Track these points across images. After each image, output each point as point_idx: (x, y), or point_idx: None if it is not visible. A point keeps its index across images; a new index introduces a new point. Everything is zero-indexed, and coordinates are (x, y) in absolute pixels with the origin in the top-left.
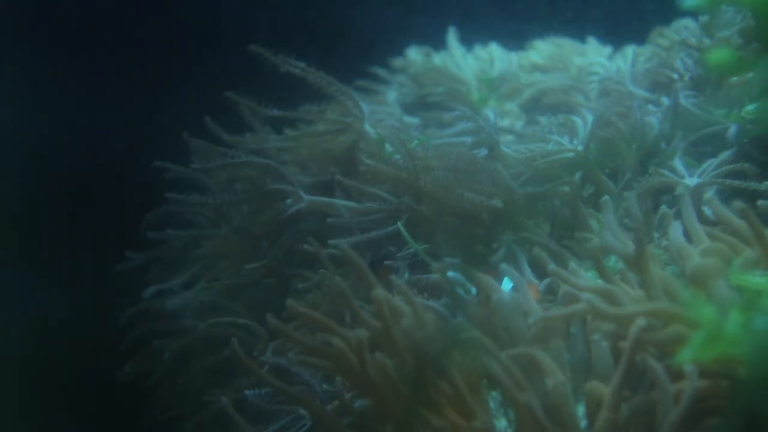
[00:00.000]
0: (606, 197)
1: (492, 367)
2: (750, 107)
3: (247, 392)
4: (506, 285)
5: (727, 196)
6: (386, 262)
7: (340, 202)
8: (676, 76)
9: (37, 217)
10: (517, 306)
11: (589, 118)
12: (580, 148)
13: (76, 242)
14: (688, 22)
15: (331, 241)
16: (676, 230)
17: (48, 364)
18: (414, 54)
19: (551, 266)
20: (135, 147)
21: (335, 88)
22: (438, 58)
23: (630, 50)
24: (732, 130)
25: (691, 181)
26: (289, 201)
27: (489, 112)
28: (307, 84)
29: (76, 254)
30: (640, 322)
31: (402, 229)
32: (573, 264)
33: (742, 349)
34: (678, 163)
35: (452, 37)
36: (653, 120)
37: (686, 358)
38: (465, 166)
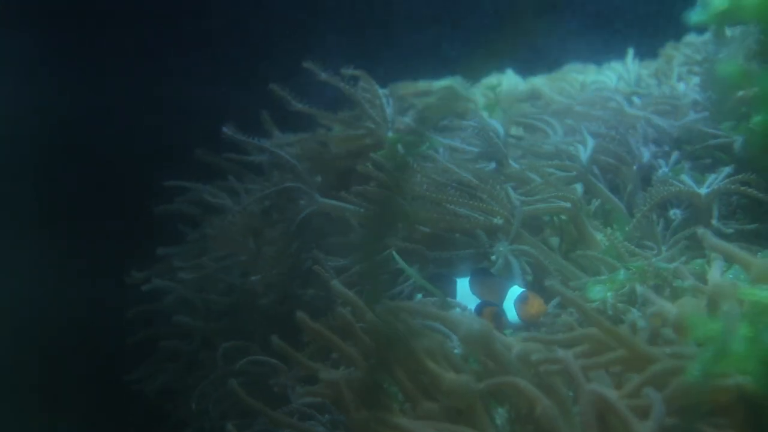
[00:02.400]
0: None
1: None
2: (757, 119)
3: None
4: (513, 293)
5: (733, 209)
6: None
7: (351, 207)
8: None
9: (39, 213)
10: (490, 333)
11: (590, 142)
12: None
13: (77, 240)
14: (695, 37)
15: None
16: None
17: (51, 364)
18: None
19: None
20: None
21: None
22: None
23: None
24: (739, 142)
25: (702, 191)
26: (302, 202)
27: (498, 125)
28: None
29: (78, 252)
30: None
31: (397, 257)
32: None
33: (750, 365)
34: (685, 177)
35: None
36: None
37: (695, 374)
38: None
